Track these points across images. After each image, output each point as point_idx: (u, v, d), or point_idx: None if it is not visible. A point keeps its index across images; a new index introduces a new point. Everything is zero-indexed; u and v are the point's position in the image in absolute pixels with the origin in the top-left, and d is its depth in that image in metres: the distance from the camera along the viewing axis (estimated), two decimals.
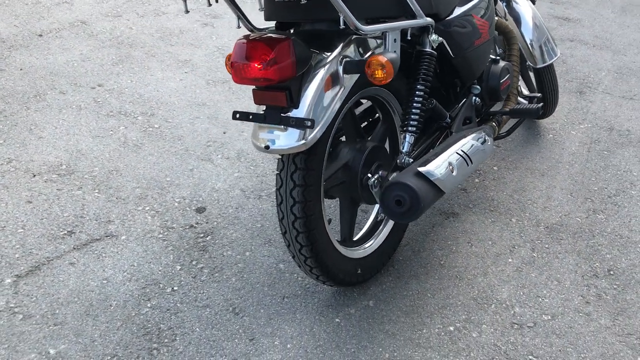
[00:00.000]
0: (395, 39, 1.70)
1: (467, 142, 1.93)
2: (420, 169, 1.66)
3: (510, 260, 2.16)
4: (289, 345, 1.76)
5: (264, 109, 1.60)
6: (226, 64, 1.64)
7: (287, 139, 1.57)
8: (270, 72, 1.49)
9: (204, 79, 3.25)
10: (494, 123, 2.30)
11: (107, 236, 2.14)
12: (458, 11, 2.05)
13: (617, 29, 4.62)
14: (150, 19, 3.95)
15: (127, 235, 2.14)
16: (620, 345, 1.83)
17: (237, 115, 1.64)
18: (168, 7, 4.16)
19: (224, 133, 2.80)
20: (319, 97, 1.58)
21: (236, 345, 1.75)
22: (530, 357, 1.78)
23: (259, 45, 1.51)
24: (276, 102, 1.56)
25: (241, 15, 1.70)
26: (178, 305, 1.87)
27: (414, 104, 1.84)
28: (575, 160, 2.80)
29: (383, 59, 1.56)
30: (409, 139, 1.85)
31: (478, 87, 2.23)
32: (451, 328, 1.86)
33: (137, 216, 2.24)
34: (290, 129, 1.57)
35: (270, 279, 2.00)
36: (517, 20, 2.62)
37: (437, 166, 1.71)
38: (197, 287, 1.95)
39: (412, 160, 1.83)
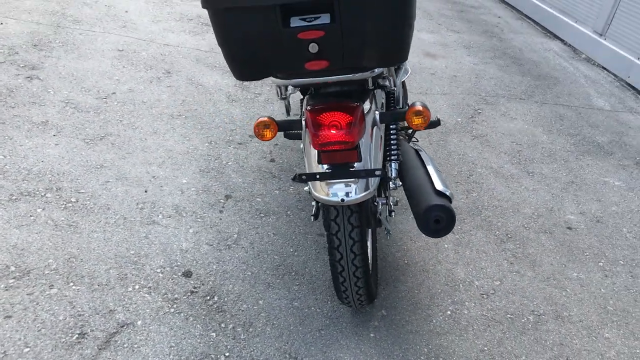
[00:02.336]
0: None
1: (425, 156, 2.37)
2: (439, 188, 2.01)
3: (446, 245, 2.71)
4: None
5: (327, 167, 1.81)
6: (255, 130, 1.82)
7: (360, 190, 1.81)
8: (352, 136, 1.73)
9: (79, 139, 3.10)
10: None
11: (122, 326, 2.11)
12: None
13: None
14: None
15: (142, 320, 2.14)
16: (550, 288, 2.53)
17: (304, 177, 1.81)
18: None
19: (146, 192, 2.79)
20: (373, 148, 1.87)
21: None
22: (508, 315, 2.36)
23: (337, 113, 1.72)
24: (348, 159, 1.77)
25: None
26: None
27: (393, 135, 2.20)
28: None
29: (420, 106, 1.83)
30: (394, 165, 2.21)
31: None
32: (448, 312, 2.35)
33: (135, 298, 2.23)
34: (360, 181, 1.83)
35: (297, 318, 2.23)
36: None
37: (442, 181, 2.10)
38: (245, 347, 2.09)
39: (400, 183, 2.20)
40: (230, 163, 3.12)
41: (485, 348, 2.19)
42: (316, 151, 1.85)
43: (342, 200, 1.80)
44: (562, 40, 5.84)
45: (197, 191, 2.86)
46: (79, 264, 2.33)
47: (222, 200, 2.82)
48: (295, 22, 1.50)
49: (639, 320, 2.40)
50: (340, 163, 1.81)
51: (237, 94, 3.86)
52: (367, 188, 1.83)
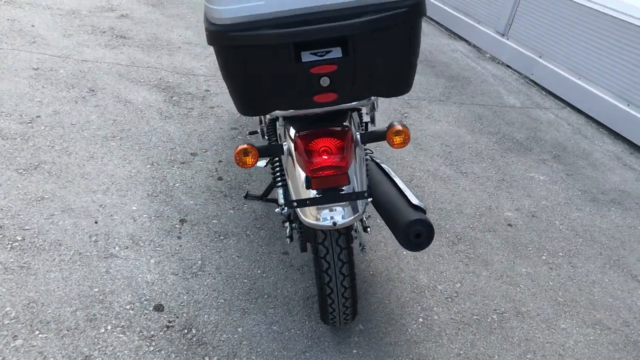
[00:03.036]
0: None
1: (387, 168, 2.43)
2: (415, 202, 2.07)
3: (405, 252, 2.80)
4: None
5: (316, 192, 1.82)
6: (236, 158, 1.81)
7: (350, 212, 1.83)
8: (345, 161, 1.74)
9: (11, 170, 2.90)
10: None
11: None
12: None
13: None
14: None
15: None
16: (505, 285, 2.68)
17: (295, 204, 1.81)
18: None
19: (96, 223, 2.66)
20: (358, 170, 1.89)
21: None
22: (474, 317, 2.48)
23: (328, 139, 1.73)
24: (339, 183, 1.78)
25: None
26: None
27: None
28: None
29: (400, 126, 1.84)
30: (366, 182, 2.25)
31: None
32: (420, 319, 2.43)
33: (109, 339, 2.12)
34: (350, 203, 1.84)
35: (279, 343, 2.23)
36: None
37: (414, 194, 2.16)
38: None
39: (370, 199, 2.24)
40: (177, 184, 3.03)
41: (461, 352, 2.29)
42: (304, 176, 1.85)
43: (334, 224, 1.82)
44: (466, 41, 6.14)
45: (150, 218, 2.76)
46: (40, 309, 2.19)
47: (177, 226, 2.74)
48: (307, 56, 1.50)
49: (587, 308, 2.60)
50: (329, 188, 1.83)
51: (169, 109, 3.75)
52: (356, 210, 1.86)
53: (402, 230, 1.95)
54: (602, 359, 2.33)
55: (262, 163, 2.72)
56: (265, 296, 2.42)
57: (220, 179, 3.14)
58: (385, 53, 1.49)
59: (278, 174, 2.26)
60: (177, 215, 2.80)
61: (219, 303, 2.35)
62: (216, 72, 4.41)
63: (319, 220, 1.84)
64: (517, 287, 2.68)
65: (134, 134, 3.40)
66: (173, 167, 3.17)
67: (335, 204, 1.84)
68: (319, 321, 2.33)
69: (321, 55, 1.49)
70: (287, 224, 2.26)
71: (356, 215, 1.85)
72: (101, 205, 2.77)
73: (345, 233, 1.93)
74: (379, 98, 3.32)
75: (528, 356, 2.31)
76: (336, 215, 1.84)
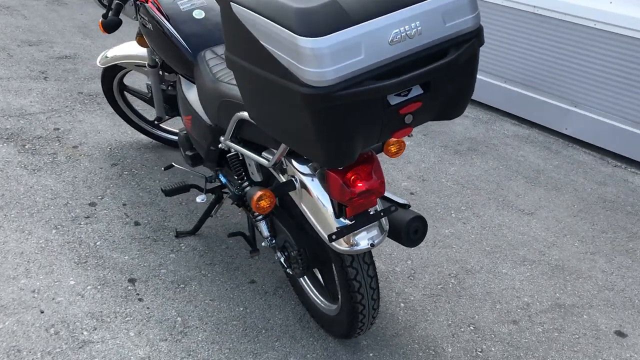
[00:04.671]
0: None
1: None
2: (401, 202, 2.18)
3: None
4: None
5: (348, 220, 1.86)
6: (255, 207, 1.88)
7: (380, 229, 1.93)
8: (383, 186, 1.81)
9: None
10: None
11: None
12: None
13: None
14: None
15: None
16: (443, 249, 2.98)
17: (334, 237, 1.83)
18: None
19: (42, 312, 2.34)
20: None
21: None
22: (439, 286, 2.74)
23: (361, 166, 1.78)
24: (372, 204, 1.85)
25: None
26: None
27: None
28: None
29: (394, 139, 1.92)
30: None
31: None
32: (402, 304, 2.62)
33: None
34: (375, 222, 1.92)
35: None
36: None
37: (394, 193, 2.28)
38: None
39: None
40: (98, 243, 2.76)
41: (449, 322, 2.53)
42: (330, 206, 1.87)
43: (372, 245, 1.90)
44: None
45: (96, 288, 2.50)
46: None
47: (130, 288, 2.53)
48: (393, 99, 1.52)
49: (509, 249, 3.02)
50: (360, 213, 1.89)
51: (31, 161, 3.31)
52: (384, 227, 1.95)
53: (403, 231, 2.08)
54: (545, 288, 2.76)
55: (200, 198, 2.63)
56: (263, 331, 2.39)
57: (137, 223, 2.92)
58: (454, 81, 1.57)
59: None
60: (122, 276, 2.58)
61: (225, 354, 2.27)
62: (52, 104, 3.96)
63: (355, 245, 1.89)
64: (451, 248, 2.99)
65: (13, 199, 2.97)
66: (80, 224, 2.86)
67: (369, 226, 1.90)
68: (324, 338, 2.38)
69: (405, 95, 1.53)
70: (278, 254, 2.26)
71: (385, 230, 1.94)
72: (34, 291, 2.43)
73: (369, 250, 2.01)
74: None
75: (497, 307, 2.64)
76: (369, 235, 1.91)
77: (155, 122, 3.40)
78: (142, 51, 3.05)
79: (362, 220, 1.88)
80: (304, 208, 1.97)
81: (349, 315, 2.12)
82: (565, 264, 2.90)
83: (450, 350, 2.38)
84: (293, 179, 1.97)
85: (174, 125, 3.64)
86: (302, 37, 1.32)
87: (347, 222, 1.87)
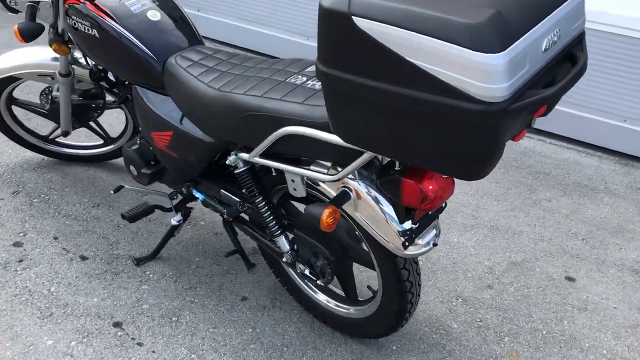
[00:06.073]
0: None
1: None
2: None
3: None
4: None
5: (411, 223, 1.84)
6: (327, 225, 1.77)
7: (435, 226, 1.95)
8: (453, 182, 1.81)
9: None
10: None
11: None
12: None
13: None
14: None
15: None
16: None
17: (407, 243, 1.81)
18: None
19: None
20: None
21: None
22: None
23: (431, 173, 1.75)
24: (440, 203, 1.80)
25: None
26: None
27: None
28: None
29: None
30: None
31: None
32: None
33: None
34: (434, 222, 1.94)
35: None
36: None
37: None
38: None
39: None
40: (53, 288, 2.35)
41: (439, 298, 2.65)
42: (394, 213, 1.84)
43: (435, 244, 1.92)
44: None
45: (82, 342, 2.14)
46: None
47: (120, 333, 2.21)
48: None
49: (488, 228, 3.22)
50: (422, 217, 1.89)
51: None
52: (434, 224, 1.97)
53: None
54: (495, 250, 3.00)
55: (176, 219, 2.40)
56: (284, 349, 2.27)
57: (84, 258, 2.54)
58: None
59: (274, 222, 2.12)
60: (103, 322, 2.24)
61: None
62: None
63: (422, 247, 1.90)
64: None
65: None
66: (17, 271, 2.40)
67: (429, 227, 1.92)
68: (344, 342, 2.33)
69: None
70: (301, 267, 2.16)
71: (439, 228, 1.97)
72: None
73: None
74: None
75: (469, 275, 2.81)
76: (430, 235, 1.93)
77: (59, 137, 2.95)
78: (46, 58, 2.61)
79: (425, 222, 1.88)
80: (360, 218, 1.89)
81: (397, 314, 2.11)
82: (497, 224, 3.17)
83: (455, 326, 2.49)
84: (346, 189, 1.88)
85: (76, 139, 3.17)
86: (479, 53, 1.25)
87: (411, 226, 1.86)
